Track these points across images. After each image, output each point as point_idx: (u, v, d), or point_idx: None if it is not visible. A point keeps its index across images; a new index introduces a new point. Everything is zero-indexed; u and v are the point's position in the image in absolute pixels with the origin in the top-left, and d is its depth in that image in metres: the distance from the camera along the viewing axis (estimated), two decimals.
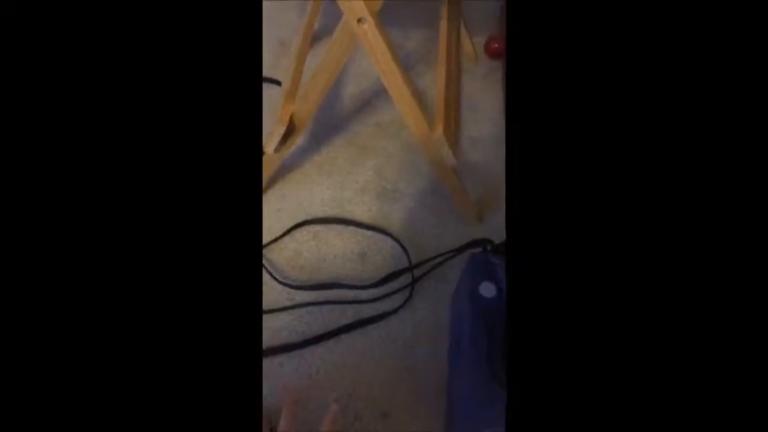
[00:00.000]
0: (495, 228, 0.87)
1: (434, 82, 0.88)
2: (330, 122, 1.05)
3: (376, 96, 1.09)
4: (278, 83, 0.96)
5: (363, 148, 1.00)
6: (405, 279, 0.80)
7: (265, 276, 0.80)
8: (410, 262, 0.81)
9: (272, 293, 0.78)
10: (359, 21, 0.60)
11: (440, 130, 0.73)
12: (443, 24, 0.89)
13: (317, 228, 0.87)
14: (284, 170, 0.94)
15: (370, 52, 0.63)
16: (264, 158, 0.81)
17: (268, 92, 0.92)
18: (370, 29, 0.61)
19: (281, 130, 0.76)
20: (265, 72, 1.06)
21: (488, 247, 0.72)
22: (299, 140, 0.83)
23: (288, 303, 0.77)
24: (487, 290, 0.65)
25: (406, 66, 1.17)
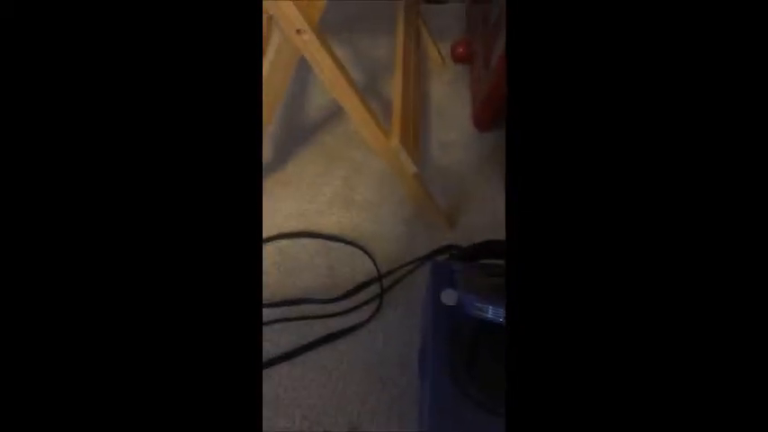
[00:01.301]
0: (467, 232, 0.86)
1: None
2: (297, 135, 1.04)
3: None
4: None
5: (332, 159, 0.99)
6: (374, 290, 0.79)
7: None
8: (379, 272, 0.80)
9: None
10: (297, 32, 0.59)
11: (396, 138, 0.72)
12: (399, 29, 0.88)
13: (284, 242, 0.86)
14: None
15: (313, 62, 0.62)
16: None
17: None
18: (309, 39, 0.60)
19: None
20: None
21: (451, 254, 0.71)
22: None
23: None
24: (449, 297, 0.63)
25: (374, 73, 1.18)
